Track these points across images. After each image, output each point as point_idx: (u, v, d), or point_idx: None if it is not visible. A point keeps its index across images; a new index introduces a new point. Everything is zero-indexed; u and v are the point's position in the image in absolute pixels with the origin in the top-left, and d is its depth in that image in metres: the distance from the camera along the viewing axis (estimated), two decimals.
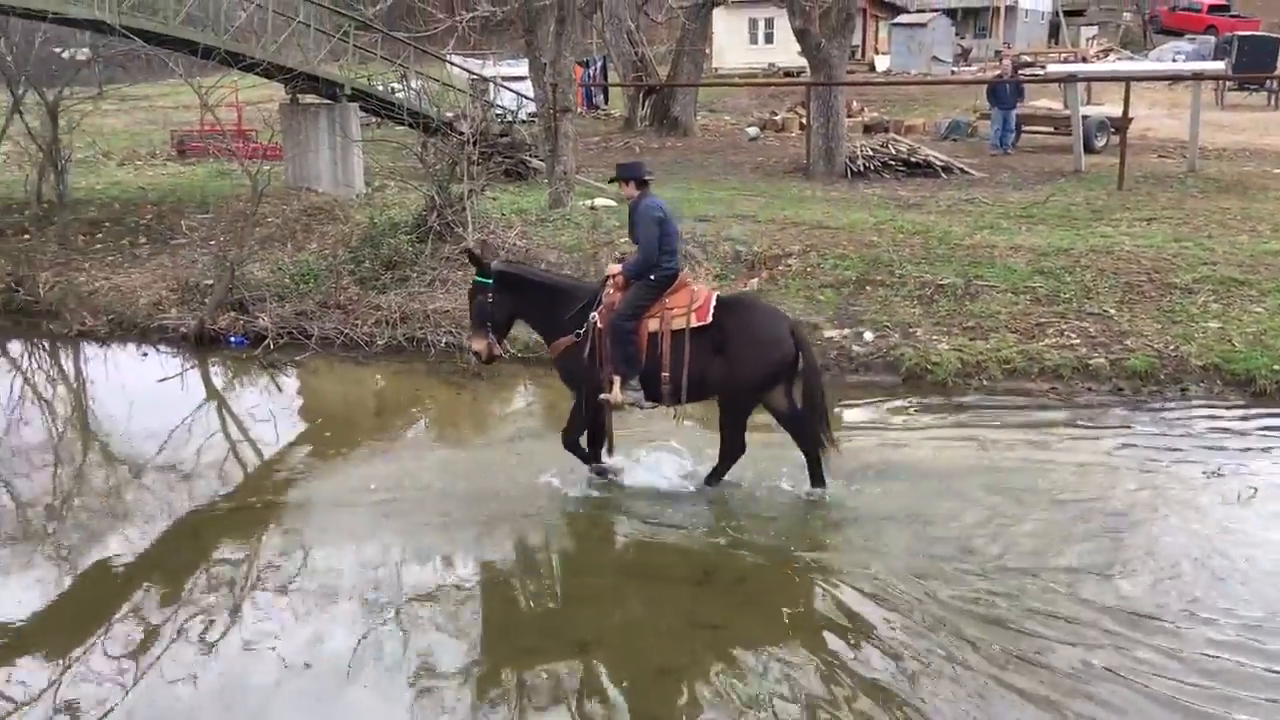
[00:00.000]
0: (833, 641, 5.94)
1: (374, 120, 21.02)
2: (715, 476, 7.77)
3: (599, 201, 16.22)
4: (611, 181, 8.04)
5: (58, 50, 21.31)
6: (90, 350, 13.06)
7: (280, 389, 11.53)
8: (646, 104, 27.22)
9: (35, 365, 13.05)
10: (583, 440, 7.90)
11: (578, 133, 18.40)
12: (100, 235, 16.53)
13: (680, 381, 7.38)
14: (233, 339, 12.68)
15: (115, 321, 13.44)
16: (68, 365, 12.95)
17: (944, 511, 7.42)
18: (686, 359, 7.35)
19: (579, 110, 23.93)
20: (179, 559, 7.23)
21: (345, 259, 13.76)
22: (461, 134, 14.32)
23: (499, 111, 21.98)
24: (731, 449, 7.72)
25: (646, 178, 7.64)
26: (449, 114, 16.95)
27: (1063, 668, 5.55)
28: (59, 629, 6.35)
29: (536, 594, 6.71)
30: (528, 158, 19.79)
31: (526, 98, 22.68)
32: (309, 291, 13.06)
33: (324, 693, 5.62)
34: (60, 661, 5.97)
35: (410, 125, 16.04)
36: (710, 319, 7.36)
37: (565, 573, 7.00)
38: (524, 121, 22.51)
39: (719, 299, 7.56)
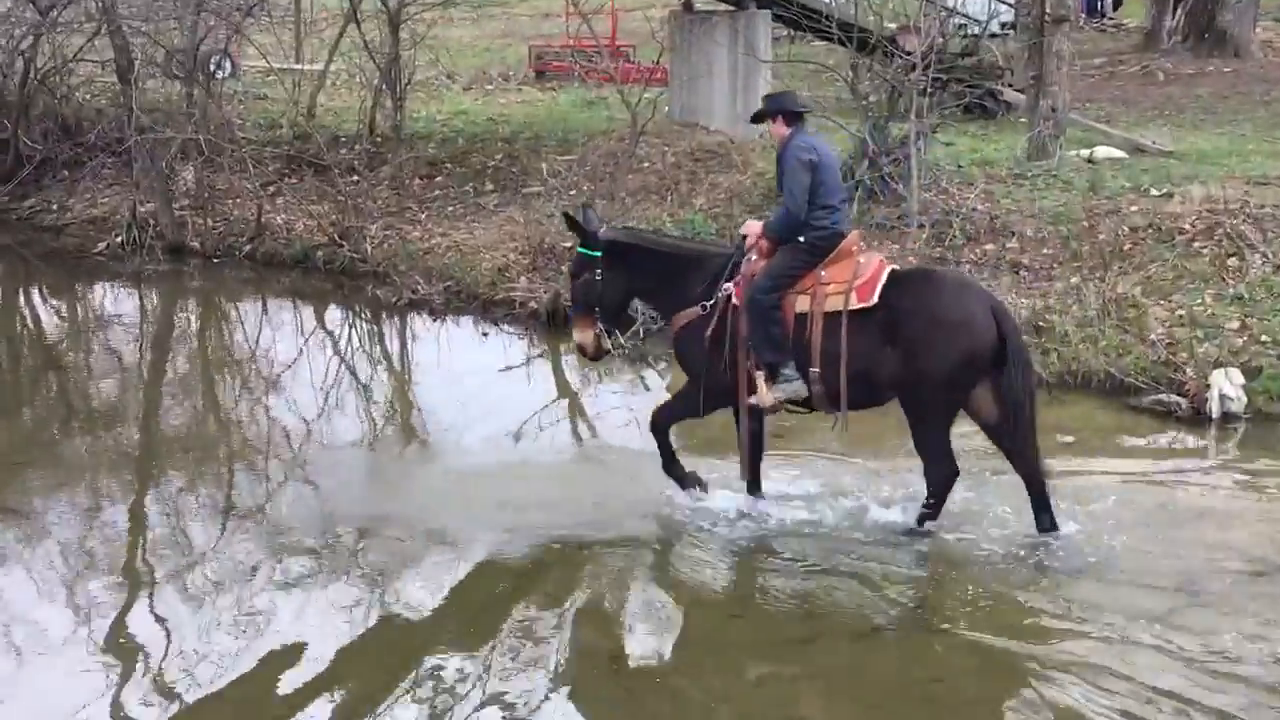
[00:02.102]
0: None
1: (789, 33, 21.33)
2: (930, 513, 7.87)
3: (1100, 152, 15.69)
4: (755, 120, 8.25)
5: None
6: (419, 325, 14.17)
7: (648, 389, 11.77)
8: (1179, 10, 26.00)
9: (354, 343, 14.38)
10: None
11: (1075, 53, 17.76)
12: (439, 179, 17.99)
13: (835, 380, 7.58)
14: None
15: (452, 290, 14.49)
16: (392, 344, 14.17)
17: None
18: (844, 350, 7.48)
19: (1078, 20, 23.09)
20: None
21: (741, 220, 13.99)
22: (909, 54, 14.20)
23: (962, 22, 21.62)
24: (936, 473, 7.77)
25: (799, 110, 7.91)
26: (892, 25, 16.84)
27: None
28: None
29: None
30: (999, 87, 19.37)
31: (1003, 1, 22.18)
32: None
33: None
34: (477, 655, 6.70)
35: (839, 41, 16.07)
36: (876, 299, 7.52)
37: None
38: (995, 35, 22.03)
39: (893, 273, 7.70)
